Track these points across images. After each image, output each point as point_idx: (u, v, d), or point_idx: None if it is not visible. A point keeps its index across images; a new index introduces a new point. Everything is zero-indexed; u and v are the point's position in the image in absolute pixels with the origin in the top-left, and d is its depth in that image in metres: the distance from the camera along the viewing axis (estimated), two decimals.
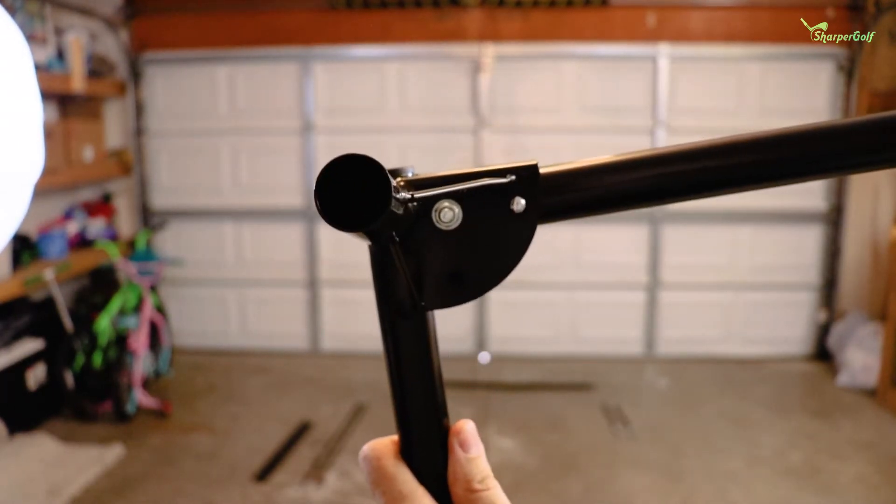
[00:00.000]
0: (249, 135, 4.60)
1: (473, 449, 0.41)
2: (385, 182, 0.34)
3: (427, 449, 0.42)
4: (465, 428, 0.42)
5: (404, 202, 0.37)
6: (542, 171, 0.41)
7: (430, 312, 0.42)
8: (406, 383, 0.42)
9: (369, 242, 0.40)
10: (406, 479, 0.41)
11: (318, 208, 0.35)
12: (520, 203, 0.40)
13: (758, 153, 0.39)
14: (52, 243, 3.89)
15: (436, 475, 0.41)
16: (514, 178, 0.40)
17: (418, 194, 0.39)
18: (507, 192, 0.40)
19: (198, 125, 4.62)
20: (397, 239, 0.39)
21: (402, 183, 0.39)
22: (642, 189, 0.41)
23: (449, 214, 0.40)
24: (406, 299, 0.41)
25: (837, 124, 0.39)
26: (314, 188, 0.35)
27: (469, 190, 0.40)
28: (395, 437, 0.43)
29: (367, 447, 0.42)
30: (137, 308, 3.86)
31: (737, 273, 4.57)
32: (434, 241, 0.40)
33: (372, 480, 0.41)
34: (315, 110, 4.53)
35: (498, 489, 0.41)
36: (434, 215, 0.40)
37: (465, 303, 0.41)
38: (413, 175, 0.41)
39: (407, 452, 0.42)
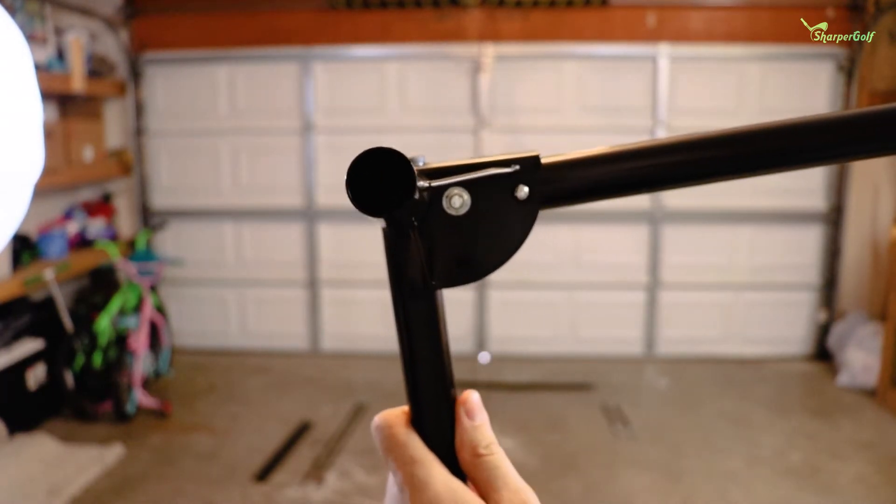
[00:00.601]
0: (249, 135, 4.60)
1: (478, 417, 0.44)
2: (409, 171, 0.37)
3: (436, 417, 0.45)
4: (471, 398, 0.45)
5: (421, 190, 0.40)
6: (543, 161, 0.44)
7: (439, 291, 0.45)
8: (417, 357, 0.45)
9: (389, 227, 0.43)
10: (416, 446, 0.43)
11: (349, 195, 0.37)
12: (523, 190, 0.43)
13: (753, 144, 0.43)
14: (52, 243, 3.89)
15: (444, 442, 0.44)
16: (517, 167, 0.43)
17: (434, 183, 0.42)
18: (511, 180, 0.43)
19: (198, 125, 4.62)
20: (416, 224, 0.42)
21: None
22: (637, 178, 0.44)
23: (458, 201, 0.43)
24: (418, 279, 0.44)
25: (824, 117, 0.42)
26: (346, 177, 0.37)
27: (477, 178, 0.43)
28: (406, 408, 0.45)
29: (379, 417, 0.45)
30: (137, 308, 3.86)
31: (737, 273, 4.57)
32: (444, 226, 0.43)
33: (384, 448, 0.44)
34: (315, 110, 4.53)
35: (501, 454, 0.43)
36: (445, 201, 0.43)
37: (472, 282, 0.44)
38: (424, 164, 0.44)
39: (417, 421, 0.45)
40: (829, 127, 0.42)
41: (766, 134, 0.43)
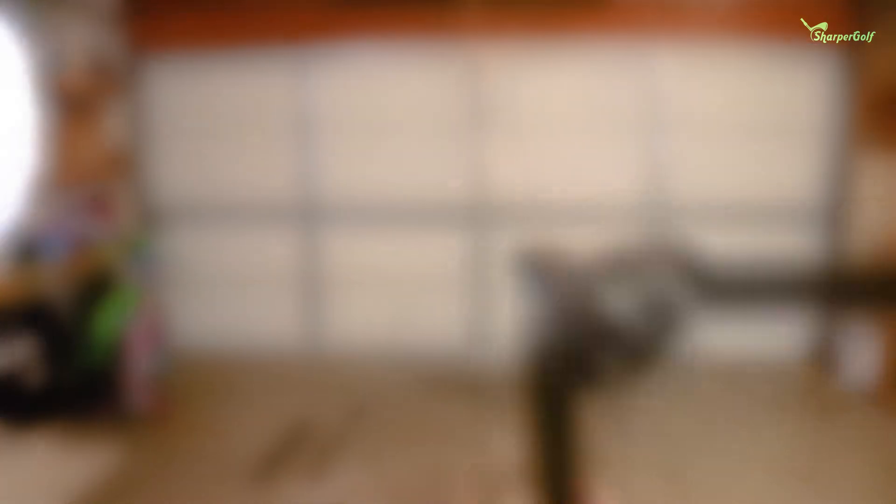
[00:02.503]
0: (249, 134, 4.59)
1: None
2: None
3: None
4: None
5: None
6: (701, 261, 0.40)
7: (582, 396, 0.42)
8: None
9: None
10: None
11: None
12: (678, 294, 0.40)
13: None
14: (52, 243, 3.88)
15: None
16: (673, 268, 0.40)
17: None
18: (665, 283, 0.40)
19: (198, 125, 4.61)
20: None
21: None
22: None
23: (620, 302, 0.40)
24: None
25: None
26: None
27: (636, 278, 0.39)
28: None
29: None
30: (137, 308, 3.85)
31: None
32: (597, 326, 0.40)
33: None
34: (315, 110, 4.52)
35: None
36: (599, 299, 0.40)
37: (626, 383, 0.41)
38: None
39: None
40: None
41: None
